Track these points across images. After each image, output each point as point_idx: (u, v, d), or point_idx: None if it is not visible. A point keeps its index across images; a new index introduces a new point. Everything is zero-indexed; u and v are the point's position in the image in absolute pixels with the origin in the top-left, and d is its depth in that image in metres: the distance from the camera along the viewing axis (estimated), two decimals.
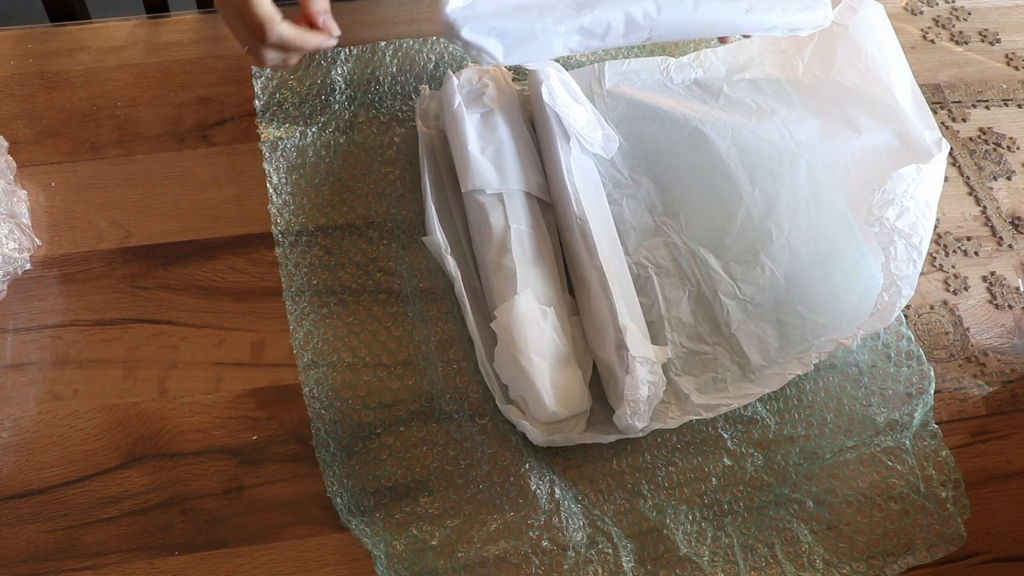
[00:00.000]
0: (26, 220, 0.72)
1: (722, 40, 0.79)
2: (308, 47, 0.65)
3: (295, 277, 0.71)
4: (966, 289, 0.75)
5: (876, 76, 0.71)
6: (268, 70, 0.81)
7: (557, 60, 0.82)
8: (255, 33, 0.63)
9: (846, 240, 0.70)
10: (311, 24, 0.66)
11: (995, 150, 0.83)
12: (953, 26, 0.91)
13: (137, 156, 0.77)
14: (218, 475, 0.63)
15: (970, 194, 0.80)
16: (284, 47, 0.64)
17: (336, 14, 0.85)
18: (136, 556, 0.60)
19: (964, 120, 0.84)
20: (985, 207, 0.79)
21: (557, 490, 0.63)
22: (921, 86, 0.73)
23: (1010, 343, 0.72)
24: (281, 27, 0.62)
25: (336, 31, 0.66)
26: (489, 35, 0.63)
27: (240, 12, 0.63)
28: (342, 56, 0.82)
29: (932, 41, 0.90)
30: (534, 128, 0.77)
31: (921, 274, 0.65)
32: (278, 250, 0.72)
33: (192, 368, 0.67)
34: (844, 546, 0.63)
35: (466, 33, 0.63)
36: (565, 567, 0.61)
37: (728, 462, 0.65)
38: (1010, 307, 0.74)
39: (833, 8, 0.74)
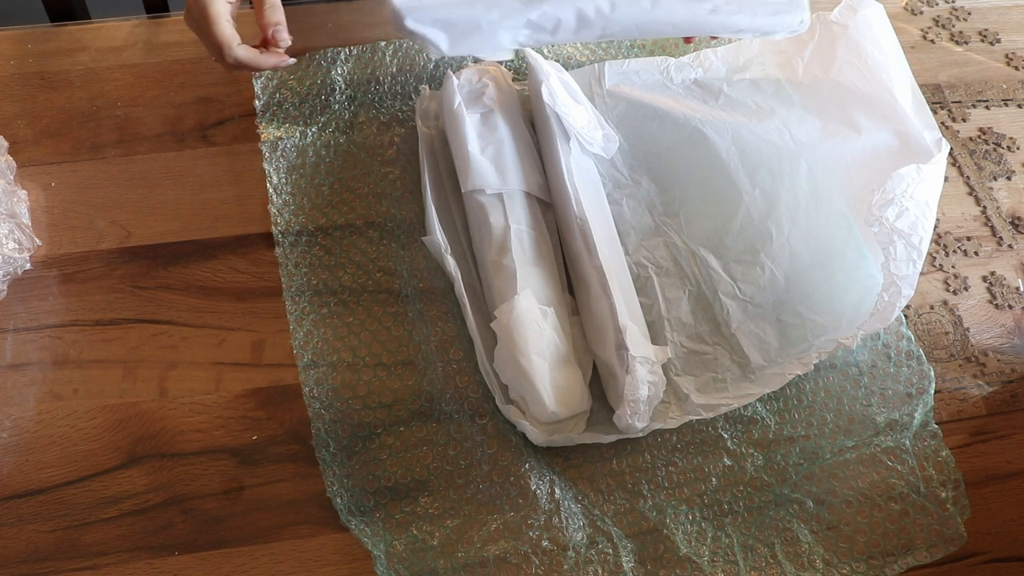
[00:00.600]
0: (26, 220, 0.72)
1: (686, 40, 0.78)
2: (264, 68, 0.68)
3: (295, 277, 0.71)
4: (966, 289, 0.75)
5: (876, 76, 0.71)
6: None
7: (558, 61, 0.82)
8: (214, 52, 0.67)
9: (846, 240, 0.70)
10: (265, 34, 0.68)
11: (995, 150, 0.83)
12: (953, 26, 0.91)
13: (137, 156, 0.77)
14: (218, 475, 0.63)
15: (970, 194, 0.80)
16: (241, 67, 0.67)
17: (336, 14, 0.86)
18: (136, 556, 0.60)
19: (964, 120, 0.84)
20: (985, 207, 0.79)
21: (557, 490, 0.63)
22: (921, 86, 0.73)
23: (1010, 343, 0.72)
24: (237, 50, 0.66)
25: (286, 42, 0.68)
26: (434, 26, 0.63)
27: (202, 31, 0.67)
28: (342, 56, 0.82)
29: (932, 41, 0.90)
30: (534, 128, 0.77)
31: (921, 274, 0.65)
32: (278, 250, 0.72)
33: (192, 368, 0.67)
34: (844, 546, 0.63)
35: (410, 23, 0.63)
36: (565, 567, 0.61)
37: (728, 462, 0.65)
38: (1010, 307, 0.74)
39: (833, 8, 0.74)
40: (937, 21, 0.91)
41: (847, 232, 0.70)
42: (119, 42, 0.83)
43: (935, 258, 0.76)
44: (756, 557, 0.62)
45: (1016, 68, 0.88)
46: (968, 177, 0.81)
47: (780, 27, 0.69)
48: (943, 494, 0.65)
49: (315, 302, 0.70)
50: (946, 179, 0.79)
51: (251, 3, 0.69)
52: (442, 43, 0.64)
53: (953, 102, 0.85)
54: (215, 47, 0.66)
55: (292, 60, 0.69)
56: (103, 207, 0.74)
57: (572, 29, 0.65)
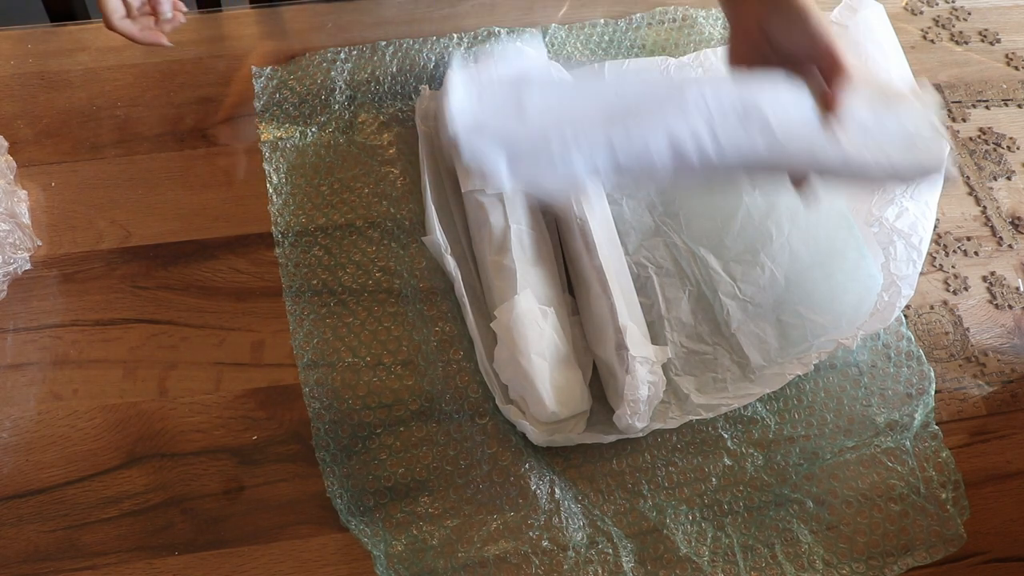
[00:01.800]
0: (26, 220, 0.72)
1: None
2: (140, 43, 0.71)
3: (295, 277, 0.71)
4: (966, 289, 0.75)
5: (876, 76, 0.71)
6: (268, 69, 0.81)
7: (557, 61, 0.82)
8: (103, 17, 0.70)
9: (846, 240, 0.71)
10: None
11: (995, 150, 0.83)
12: (953, 26, 0.91)
13: (137, 156, 0.77)
14: (218, 475, 0.63)
15: (970, 194, 0.80)
16: (122, 35, 0.70)
17: (336, 14, 0.86)
18: (136, 556, 0.60)
19: (964, 120, 0.84)
20: (985, 207, 0.79)
21: (557, 490, 0.63)
22: None
23: (1010, 343, 0.72)
24: (118, 23, 0.69)
25: (166, 14, 0.71)
26: (492, 147, 0.56)
27: None
28: (342, 56, 0.82)
29: (932, 41, 0.90)
30: None
31: (921, 274, 0.65)
32: (278, 250, 0.72)
33: (192, 368, 0.67)
34: (844, 546, 0.63)
35: (467, 156, 0.56)
36: (565, 567, 0.61)
37: (728, 462, 0.65)
38: (1010, 307, 0.74)
39: (833, 8, 0.74)
40: (937, 21, 0.91)
41: (847, 232, 0.70)
42: (119, 42, 0.83)
43: (935, 258, 0.76)
44: (756, 557, 0.62)
45: (1016, 68, 0.88)
46: (968, 177, 0.81)
47: (918, 173, 0.60)
48: (943, 495, 0.65)
49: (315, 302, 0.70)
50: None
51: None
52: (503, 178, 0.56)
53: (953, 102, 0.85)
54: (101, 11, 0.69)
55: (169, 44, 0.72)
56: (103, 207, 0.74)
57: (666, 162, 0.56)
